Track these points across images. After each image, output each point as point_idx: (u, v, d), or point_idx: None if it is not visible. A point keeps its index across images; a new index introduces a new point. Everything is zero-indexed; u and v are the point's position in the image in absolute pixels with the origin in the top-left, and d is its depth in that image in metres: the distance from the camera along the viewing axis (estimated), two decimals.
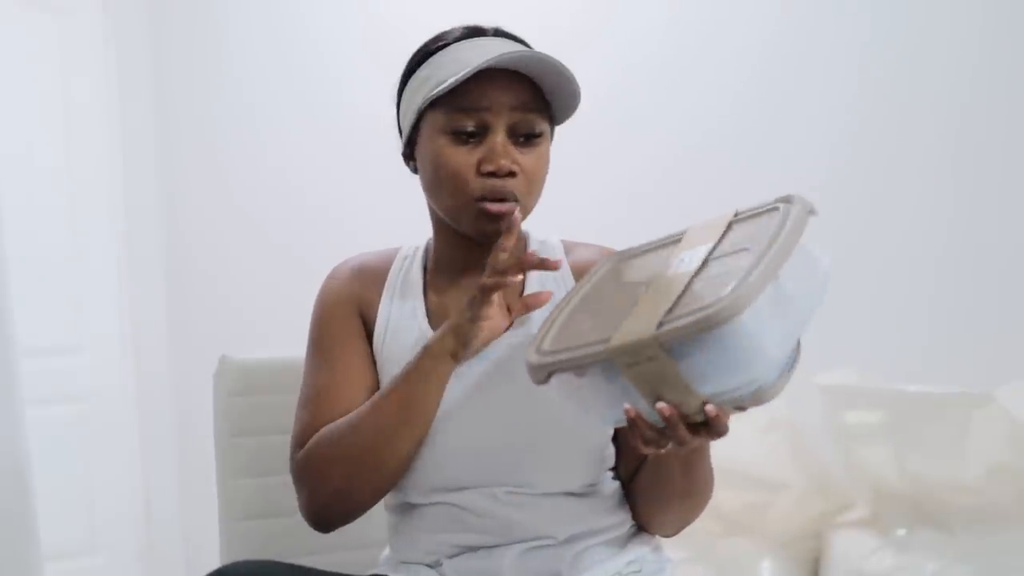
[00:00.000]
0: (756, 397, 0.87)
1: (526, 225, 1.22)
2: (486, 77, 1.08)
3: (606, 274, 1.06)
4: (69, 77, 2.92)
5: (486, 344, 1.09)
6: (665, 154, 2.60)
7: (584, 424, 0.96)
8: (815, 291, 0.91)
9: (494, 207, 1.08)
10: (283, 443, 1.45)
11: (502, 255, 1.04)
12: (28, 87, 2.82)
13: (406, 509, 1.16)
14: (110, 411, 2.98)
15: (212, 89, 3.09)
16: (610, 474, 1.16)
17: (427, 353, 1.07)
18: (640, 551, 1.15)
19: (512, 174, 1.09)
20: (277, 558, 1.37)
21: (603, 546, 1.13)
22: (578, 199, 2.50)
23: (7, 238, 1.94)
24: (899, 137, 2.42)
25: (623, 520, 1.15)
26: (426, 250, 1.24)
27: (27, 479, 1.86)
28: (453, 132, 1.10)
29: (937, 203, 2.38)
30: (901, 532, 2.01)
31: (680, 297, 0.88)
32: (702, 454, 1.06)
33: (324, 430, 1.13)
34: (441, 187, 1.12)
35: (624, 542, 1.14)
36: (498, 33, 1.16)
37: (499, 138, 1.09)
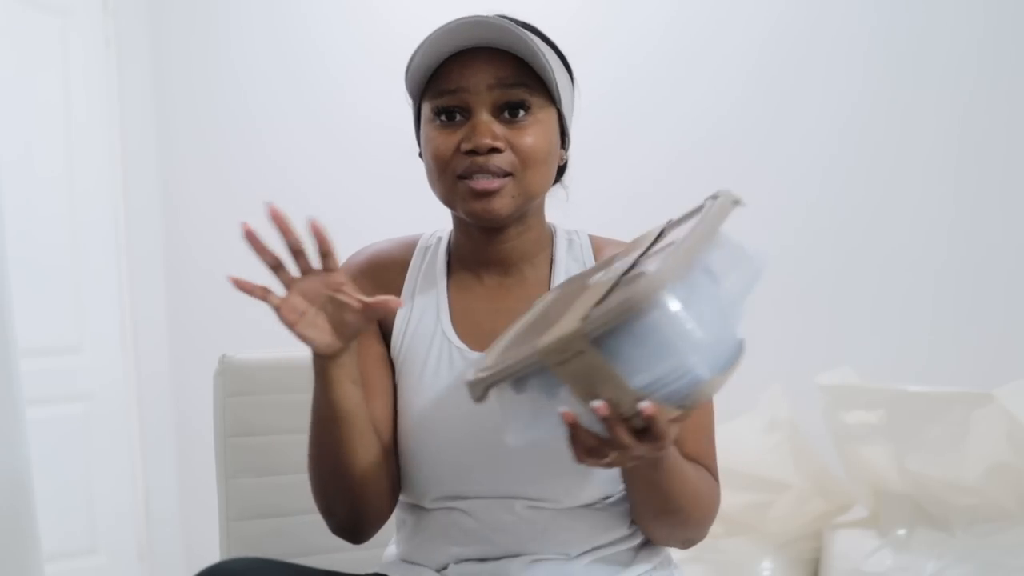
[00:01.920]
0: (694, 393, 0.83)
1: (552, 216, 1.20)
2: (464, 58, 1.07)
3: (552, 298, 1.04)
4: (69, 77, 2.92)
5: (344, 333, 1.01)
6: (665, 154, 2.60)
7: (530, 442, 0.91)
8: (745, 280, 0.89)
9: (478, 184, 1.06)
10: (283, 443, 1.45)
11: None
12: (28, 87, 2.82)
13: (418, 510, 1.15)
14: (110, 411, 2.98)
15: (212, 89, 3.09)
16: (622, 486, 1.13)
17: (313, 356, 1.04)
18: (648, 564, 1.13)
19: (496, 150, 1.06)
20: (277, 558, 1.37)
21: (612, 559, 1.11)
22: (578, 198, 2.50)
23: (7, 238, 1.94)
24: (901, 137, 2.42)
25: (635, 532, 1.13)
26: (449, 241, 1.20)
27: (27, 479, 1.86)
28: (439, 117, 1.09)
29: (938, 203, 2.38)
30: (901, 532, 2.01)
31: (608, 294, 0.86)
32: (661, 469, 1.00)
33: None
34: (431, 172, 1.11)
35: (634, 555, 1.13)
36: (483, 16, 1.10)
37: (482, 117, 1.07)
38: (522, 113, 1.08)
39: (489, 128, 1.06)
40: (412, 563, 1.15)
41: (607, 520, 1.11)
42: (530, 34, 1.08)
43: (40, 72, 2.85)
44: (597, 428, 0.85)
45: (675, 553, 1.19)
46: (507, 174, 1.07)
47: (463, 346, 1.12)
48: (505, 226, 1.12)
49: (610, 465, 0.88)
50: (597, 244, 1.19)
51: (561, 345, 0.82)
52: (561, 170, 1.20)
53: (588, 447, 0.86)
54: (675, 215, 1.01)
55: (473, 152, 1.06)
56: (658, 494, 1.04)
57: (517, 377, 0.87)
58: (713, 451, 1.13)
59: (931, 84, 2.38)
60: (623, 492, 1.13)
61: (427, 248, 1.20)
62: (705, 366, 0.83)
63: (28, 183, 2.74)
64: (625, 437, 0.84)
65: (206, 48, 3.09)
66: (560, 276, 1.14)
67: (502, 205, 1.07)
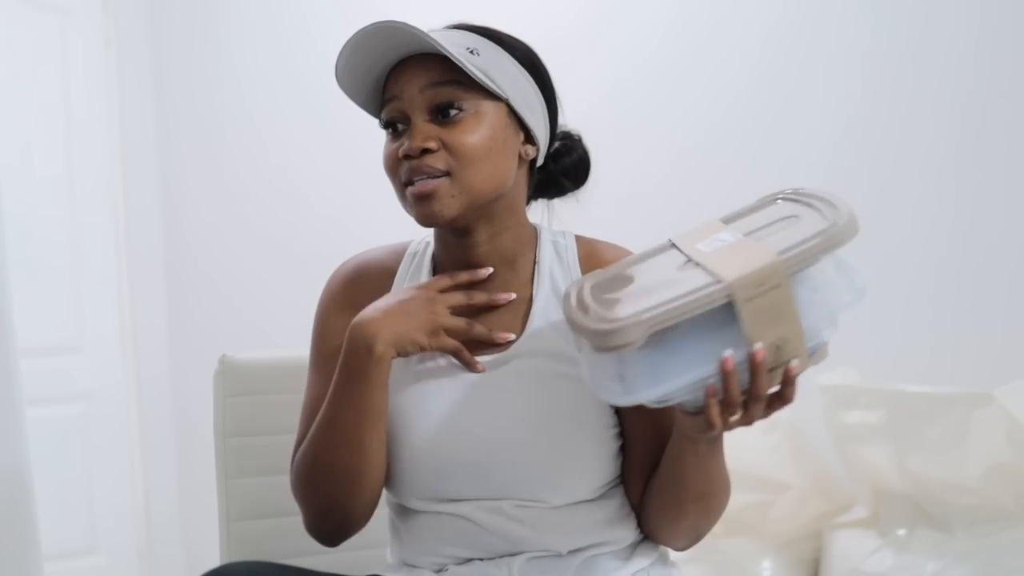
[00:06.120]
0: (816, 355, 0.90)
1: (535, 219, 1.20)
2: (399, 66, 1.10)
3: (605, 271, 1.04)
4: (69, 77, 2.92)
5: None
6: (666, 153, 2.60)
7: (654, 400, 0.90)
8: (852, 293, 0.92)
9: (415, 188, 1.07)
10: (283, 443, 1.45)
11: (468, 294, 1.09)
12: (28, 87, 2.82)
13: (407, 512, 1.15)
14: (110, 411, 2.98)
15: (212, 89, 3.09)
16: (617, 481, 1.13)
17: (366, 354, 1.06)
18: (646, 560, 1.13)
19: (427, 151, 1.07)
20: (277, 558, 1.37)
21: (609, 556, 1.11)
22: (577, 199, 2.50)
23: (7, 238, 1.94)
24: (901, 137, 2.42)
25: (630, 530, 1.13)
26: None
27: (27, 479, 1.86)
28: (387, 129, 1.12)
29: (939, 203, 2.38)
30: (901, 532, 2.01)
31: (756, 246, 0.89)
32: (716, 450, 1.03)
33: (301, 447, 1.13)
34: (390, 183, 1.13)
35: (631, 552, 1.13)
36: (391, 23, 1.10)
37: (416, 121, 1.08)
38: (453, 112, 1.08)
39: (421, 131, 1.07)
40: (410, 566, 1.15)
41: (601, 518, 1.11)
42: (435, 32, 1.09)
43: (40, 72, 2.85)
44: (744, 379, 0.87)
45: (674, 553, 1.19)
46: (444, 173, 1.07)
47: None
48: (468, 229, 1.12)
49: (729, 427, 0.93)
50: (584, 246, 1.19)
51: (760, 278, 0.83)
52: (548, 172, 1.21)
53: (732, 398, 0.89)
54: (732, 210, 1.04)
55: (408, 157, 1.07)
56: (705, 473, 1.05)
57: (664, 327, 0.84)
58: None
59: (930, 84, 2.38)
60: (614, 486, 1.13)
61: (414, 254, 1.21)
62: (827, 332, 0.90)
63: (28, 183, 2.75)
64: (764, 382, 0.88)
65: (206, 48, 3.09)
66: (544, 278, 1.15)
67: (443, 206, 1.07)
